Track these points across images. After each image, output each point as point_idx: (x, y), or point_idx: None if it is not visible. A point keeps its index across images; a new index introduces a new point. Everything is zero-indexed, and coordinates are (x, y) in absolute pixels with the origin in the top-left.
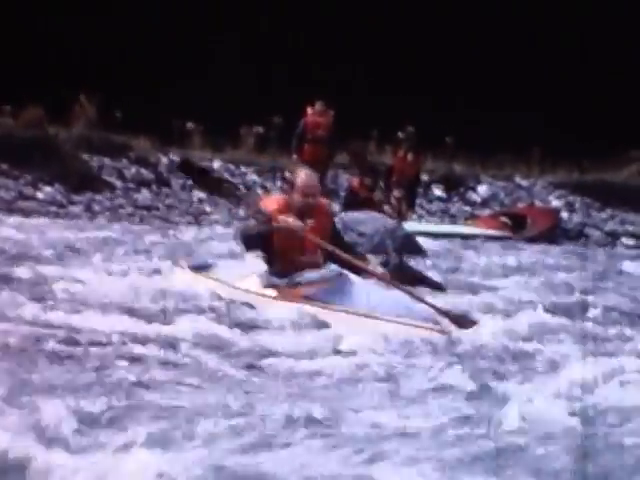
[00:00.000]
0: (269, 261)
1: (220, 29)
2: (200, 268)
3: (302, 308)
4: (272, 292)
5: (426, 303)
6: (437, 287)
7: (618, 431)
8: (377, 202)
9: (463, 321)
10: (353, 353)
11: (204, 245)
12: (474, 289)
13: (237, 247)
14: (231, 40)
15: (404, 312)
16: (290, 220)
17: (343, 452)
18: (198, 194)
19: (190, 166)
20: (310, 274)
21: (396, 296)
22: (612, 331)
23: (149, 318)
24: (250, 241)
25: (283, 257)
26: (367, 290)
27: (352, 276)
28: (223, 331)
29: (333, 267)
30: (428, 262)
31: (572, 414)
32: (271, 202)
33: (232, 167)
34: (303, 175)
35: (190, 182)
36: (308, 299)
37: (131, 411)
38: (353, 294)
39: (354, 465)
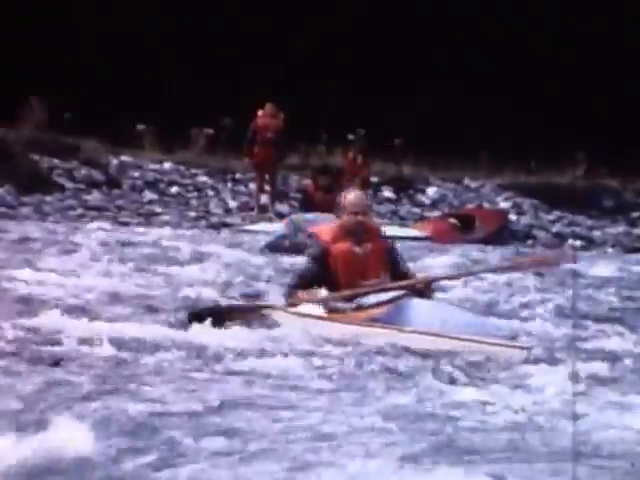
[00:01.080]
0: (332, 291)
1: (171, 30)
2: (251, 296)
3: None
4: (339, 317)
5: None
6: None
7: None
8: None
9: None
10: None
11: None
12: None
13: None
14: (181, 42)
15: (480, 330)
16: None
17: None
18: (148, 195)
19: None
20: (374, 297)
21: (468, 315)
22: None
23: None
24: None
25: (346, 284)
26: (436, 309)
27: (417, 298)
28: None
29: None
30: None
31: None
32: (325, 231)
33: (182, 169)
34: (350, 195)
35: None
36: (375, 321)
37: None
38: (421, 314)
39: None
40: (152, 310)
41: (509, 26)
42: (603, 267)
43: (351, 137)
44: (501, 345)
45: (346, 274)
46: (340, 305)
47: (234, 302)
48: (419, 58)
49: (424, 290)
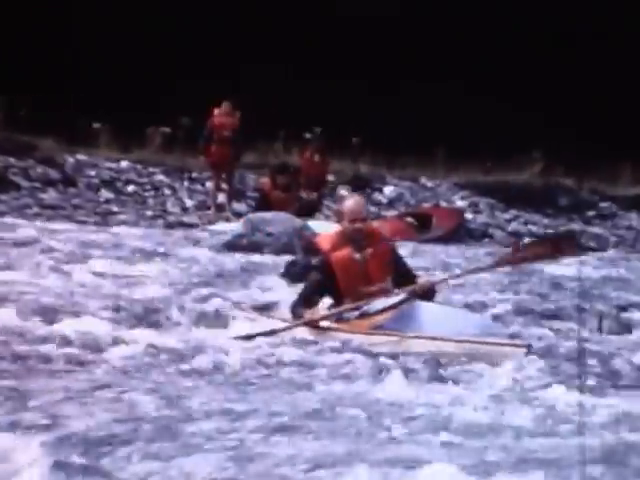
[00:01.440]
0: (336, 299)
1: (124, 29)
2: (263, 309)
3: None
4: (344, 326)
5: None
6: None
7: None
8: (290, 203)
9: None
10: None
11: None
12: None
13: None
14: (138, 40)
15: (483, 331)
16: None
17: None
18: (105, 194)
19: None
20: (377, 303)
21: (470, 316)
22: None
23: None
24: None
25: (348, 291)
26: (438, 312)
27: (420, 301)
28: None
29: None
30: None
31: None
32: (324, 240)
33: (139, 167)
34: (349, 201)
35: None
36: (378, 329)
37: None
38: (424, 318)
39: None
40: (116, 311)
41: (473, 27)
42: (558, 266)
43: (308, 136)
44: (500, 344)
45: (347, 281)
46: (344, 314)
47: (239, 311)
48: (377, 56)
49: (427, 292)
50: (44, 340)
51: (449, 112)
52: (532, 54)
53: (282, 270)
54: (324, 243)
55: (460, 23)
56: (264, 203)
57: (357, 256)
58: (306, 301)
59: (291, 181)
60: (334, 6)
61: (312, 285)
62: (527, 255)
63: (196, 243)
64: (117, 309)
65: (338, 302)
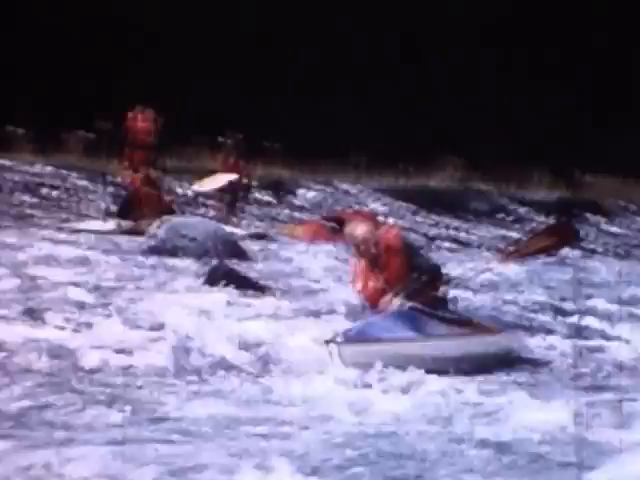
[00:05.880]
0: None
1: (42, 32)
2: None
3: None
4: None
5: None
6: (263, 290)
7: None
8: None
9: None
10: None
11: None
12: (298, 291)
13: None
14: (56, 42)
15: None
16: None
17: None
18: (25, 198)
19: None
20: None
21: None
22: None
23: None
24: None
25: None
26: (386, 323)
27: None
28: None
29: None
30: (255, 266)
31: None
32: (358, 278)
33: (59, 171)
34: (350, 231)
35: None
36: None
37: None
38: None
39: None
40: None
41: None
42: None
43: (222, 140)
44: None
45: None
46: None
47: None
48: (298, 64)
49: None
50: None
51: (369, 118)
52: (454, 62)
53: (205, 276)
54: (358, 284)
55: (375, 31)
56: (134, 200)
57: (380, 282)
58: None
59: (160, 178)
60: (256, 13)
61: None
62: (530, 249)
63: (117, 247)
64: (31, 312)
65: None
